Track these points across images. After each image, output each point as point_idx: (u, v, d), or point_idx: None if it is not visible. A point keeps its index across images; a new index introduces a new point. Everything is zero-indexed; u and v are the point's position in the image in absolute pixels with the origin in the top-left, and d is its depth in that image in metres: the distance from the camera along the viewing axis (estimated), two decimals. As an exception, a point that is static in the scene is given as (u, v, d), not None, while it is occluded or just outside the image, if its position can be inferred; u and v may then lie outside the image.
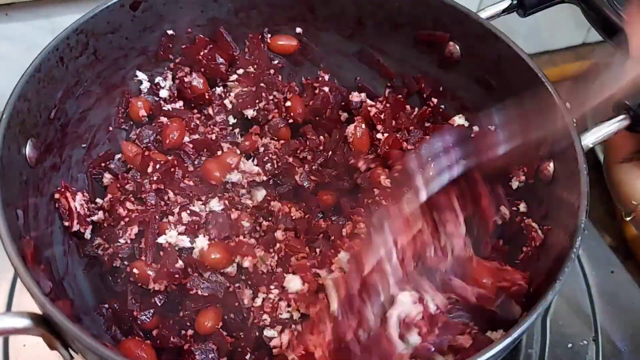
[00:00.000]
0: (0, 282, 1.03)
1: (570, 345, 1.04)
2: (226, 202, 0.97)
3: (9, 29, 1.14)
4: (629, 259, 1.27)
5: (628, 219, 0.87)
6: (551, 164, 0.88)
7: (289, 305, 0.88)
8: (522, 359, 1.02)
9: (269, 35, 1.08)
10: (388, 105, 1.05)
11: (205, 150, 1.01)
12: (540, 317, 1.05)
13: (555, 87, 0.88)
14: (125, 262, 0.92)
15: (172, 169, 0.95)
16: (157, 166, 0.94)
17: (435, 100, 1.07)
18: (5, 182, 0.74)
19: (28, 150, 0.81)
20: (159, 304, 0.89)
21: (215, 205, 0.96)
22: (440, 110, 1.06)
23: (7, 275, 1.03)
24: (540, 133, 0.83)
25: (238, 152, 1.03)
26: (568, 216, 0.79)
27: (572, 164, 0.81)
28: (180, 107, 1.05)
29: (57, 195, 0.89)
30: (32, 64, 0.82)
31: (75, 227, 0.90)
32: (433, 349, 0.76)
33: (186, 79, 1.04)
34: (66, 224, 0.89)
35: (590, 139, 0.84)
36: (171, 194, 0.95)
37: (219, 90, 1.07)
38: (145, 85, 1.04)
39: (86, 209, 0.93)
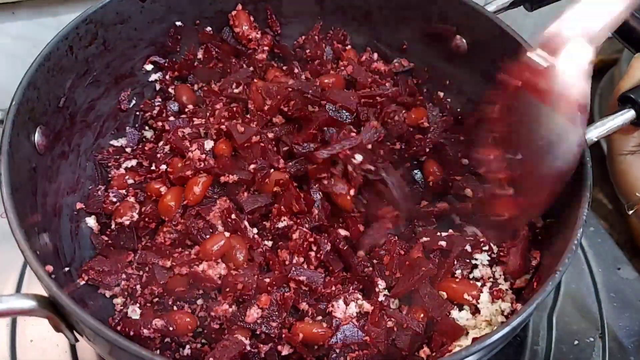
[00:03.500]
0: (11, 268, 1.04)
1: (576, 342, 1.03)
2: None
3: (15, 27, 1.14)
4: (635, 256, 1.25)
5: (630, 212, 0.86)
6: (555, 158, 0.88)
7: None
8: (528, 356, 1.01)
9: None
10: None
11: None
12: (544, 311, 1.05)
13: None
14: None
15: None
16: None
17: (441, 94, 1.07)
18: (14, 168, 0.75)
19: (37, 137, 0.82)
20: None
21: None
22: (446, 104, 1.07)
23: (17, 261, 1.04)
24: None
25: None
26: (571, 209, 0.79)
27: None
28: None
29: None
30: (41, 52, 0.83)
31: None
32: None
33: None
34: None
35: (594, 132, 0.83)
36: None
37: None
38: (154, 77, 1.05)
39: None
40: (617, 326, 1.06)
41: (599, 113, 1.44)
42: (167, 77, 1.06)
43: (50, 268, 0.75)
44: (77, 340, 0.72)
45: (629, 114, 0.84)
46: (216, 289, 0.85)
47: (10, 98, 0.78)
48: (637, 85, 0.85)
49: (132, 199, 0.94)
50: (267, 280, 0.84)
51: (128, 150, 1.02)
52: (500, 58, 0.94)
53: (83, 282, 0.85)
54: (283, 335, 0.81)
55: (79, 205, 0.93)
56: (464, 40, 1.00)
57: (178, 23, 1.02)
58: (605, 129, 0.84)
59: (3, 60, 1.14)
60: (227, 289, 0.82)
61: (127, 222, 0.92)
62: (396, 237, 0.91)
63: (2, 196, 0.71)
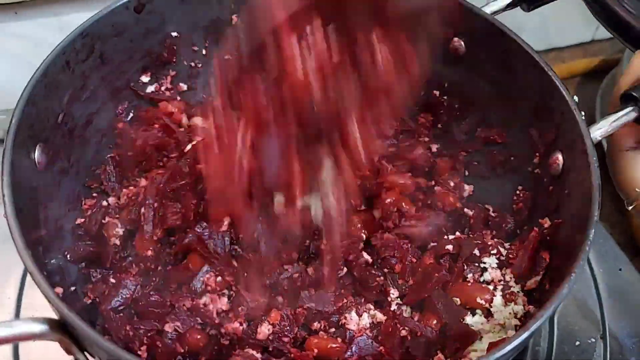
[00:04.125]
0: (13, 268, 1.03)
1: (577, 342, 1.03)
2: None
3: (17, 27, 1.14)
4: (637, 256, 1.25)
5: (630, 207, 0.86)
6: (560, 158, 0.88)
7: None
8: (530, 356, 1.01)
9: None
10: None
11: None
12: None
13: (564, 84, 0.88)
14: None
15: None
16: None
17: (444, 98, 1.07)
18: (16, 187, 0.73)
19: (37, 155, 0.81)
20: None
21: None
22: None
23: (18, 262, 1.02)
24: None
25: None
26: (580, 209, 0.79)
27: (582, 157, 0.81)
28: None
29: None
30: (39, 68, 0.82)
31: None
32: None
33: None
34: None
35: (597, 132, 0.83)
36: None
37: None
38: (150, 88, 1.04)
39: None
40: (618, 327, 1.06)
41: (601, 113, 1.43)
42: (163, 88, 1.05)
43: (60, 290, 0.73)
44: (88, 361, 0.70)
45: (631, 113, 0.83)
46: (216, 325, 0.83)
47: (11, 97, 0.78)
48: (638, 83, 0.85)
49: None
50: (280, 299, 0.83)
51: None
52: (500, 59, 0.95)
53: (89, 301, 0.83)
54: (293, 356, 0.79)
55: (79, 221, 0.92)
56: (462, 42, 1.00)
57: (174, 34, 1.02)
58: (608, 127, 0.83)
59: (5, 60, 1.14)
60: (239, 308, 0.82)
61: (117, 242, 0.91)
62: (408, 245, 0.91)
63: (6, 217, 0.70)
